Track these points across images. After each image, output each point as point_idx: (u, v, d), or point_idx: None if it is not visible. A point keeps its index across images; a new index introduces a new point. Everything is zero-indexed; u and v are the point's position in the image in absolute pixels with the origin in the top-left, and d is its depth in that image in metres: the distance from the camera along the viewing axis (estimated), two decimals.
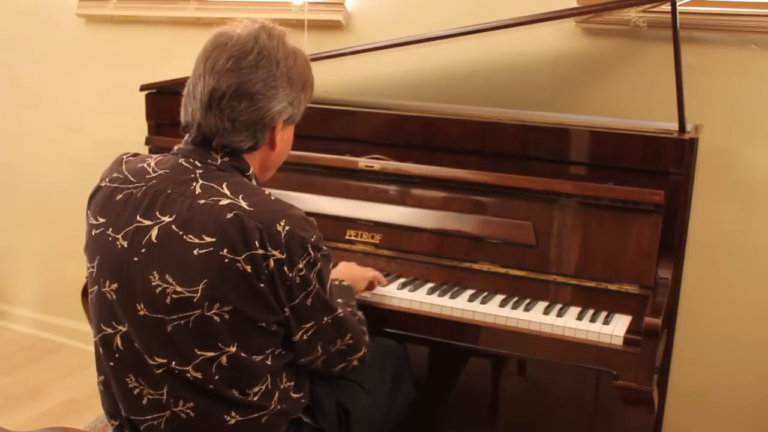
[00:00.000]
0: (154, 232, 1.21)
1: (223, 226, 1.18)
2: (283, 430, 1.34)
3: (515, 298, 1.68)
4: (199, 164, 1.26)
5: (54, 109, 2.99)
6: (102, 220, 1.27)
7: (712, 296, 2.07)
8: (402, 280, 1.78)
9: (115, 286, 1.24)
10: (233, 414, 1.26)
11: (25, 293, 3.27)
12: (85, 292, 2.06)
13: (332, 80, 2.35)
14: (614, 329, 1.54)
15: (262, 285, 1.19)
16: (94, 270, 1.28)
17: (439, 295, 1.69)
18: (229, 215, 1.18)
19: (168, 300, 1.19)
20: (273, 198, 1.25)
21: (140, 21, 2.71)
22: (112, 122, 2.82)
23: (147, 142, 2.18)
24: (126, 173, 1.29)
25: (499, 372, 2.10)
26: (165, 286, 1.19)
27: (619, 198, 1.68)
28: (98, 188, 1.31)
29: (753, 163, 1.97)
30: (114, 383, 1.31)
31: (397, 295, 1.70)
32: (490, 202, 1.79)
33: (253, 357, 1.24)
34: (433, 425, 2.15)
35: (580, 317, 1.60)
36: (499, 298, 1.69)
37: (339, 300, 1.43)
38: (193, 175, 1.24)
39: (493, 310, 1.63)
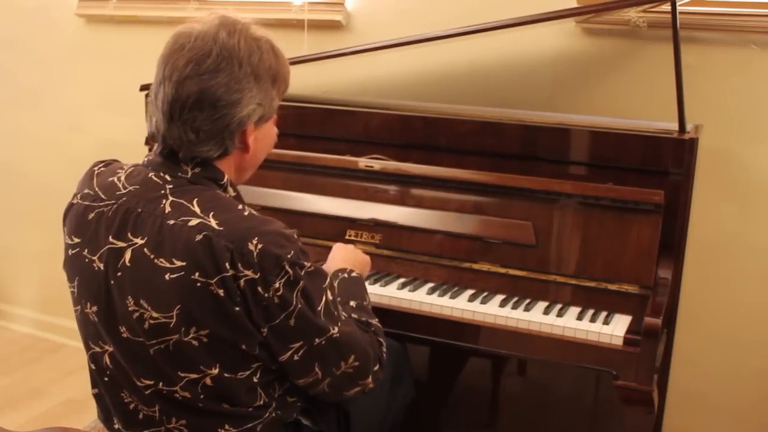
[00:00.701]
0: (128, 255, 1.16)
1: (193, 249, 1.11)
2: None
3: (515, 298, 1.68)
4: (169, 178, 1.20)
5: (54, 109, 2.99)
6: (77, 240, 1.23)
7: (712, 296, 2.07)
8: (402, 280, 1.78)
9: (95, 308, 1.21)
10: (227, 427, 1.23)
11: (25, 293, 3.27)
12: None
13: (332, 80, 2.35)
14: (614, 329, 1.54)
15: (237, 308, 1.12)
16: (75, 290, 1.26)
17: (439, 295, 1.69)
18: (198, 237, 1.11)
19: (146, 325, 1.15)
20: (247, 214, 1.16)
21: (140, 21, 2.71)
22: (112, 122, 2.82)
23: (147, 142, 2.18)
24: (97, 189, 1.25)
25: (499, 372, 2.10)
26: (141, 311, 1.15)
27: (619, 198, 1.67)
28: (71, 205, 1.28)
29: (753, 163, 1.97)
30: (108, 398, 1.29)
31: (397, 295, 1.70)
32: (490, 202, 1.79)
33: (239, 375, 1.19)
34: (434, 425, 2.15)
35: (580, 317, 1.60)
36: (499, 298, 1.69)
37: (352, 303, 1.35)
38: (163, 191, 1.18)
39: (493, 310, 1.63)
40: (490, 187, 1.79)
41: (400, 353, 1.68)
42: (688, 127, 1.72)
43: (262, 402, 1.25)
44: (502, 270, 1.75)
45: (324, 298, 1.19)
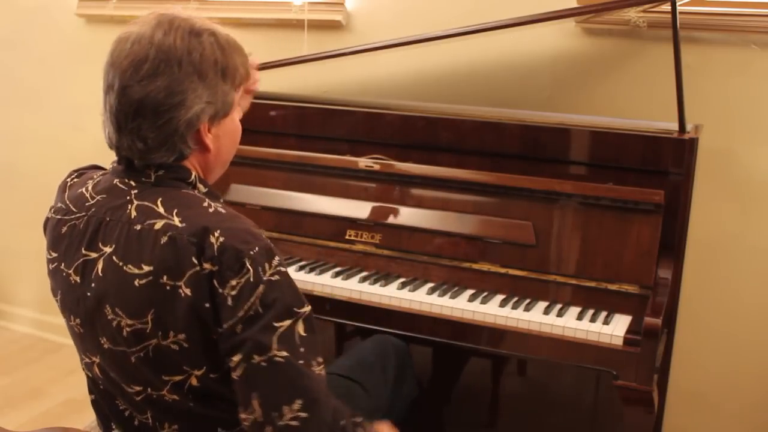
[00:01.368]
0: (100, 265, 1.13)
1: (159, 253, 1.08)
2: None
3: (515, 298, 1.68)
4: (134, 183, 1.16)
5: (54, 109, 2.99)
6: (54, 255, 1.21)
7: (712, 296, 2.07)
8: (402, 280, 1.78)
9: (78, 321, 1.19)
10: (220, 430, 1.18)
11: (25, 293, 3.27)
12: None
13: (332, 80, 2.35)
14: (614, 329, 1.54)
15: (207, 305, 1.06)
16: (59, 304, 1.24)
17: (439, 295, 1.69)
18: (164, 239, 1.08)
19: (124, 333, 1.12)
20: (212, 210, 1.11)
21: None
22: None
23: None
24: (68, 202, 1.22)
25: (499, 372, 2.10)
26: (118, 319, 1.12)
27: (619, 198, 1.68)
28: (47, 219, 1.26)
29: (753, 163, 1.97)
30: (105, 406, 1.27)
31: (397, 295, 1.70)
32: (490, 202, 1.79)
33: (225, 374, 1.12)
34: (434, 425, 2.15)
35: (580, 317, 1.60)
36: (499, 298, 1.69)
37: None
38: (128, 197, 1.14)
39: (493, 310, 1.63)
40: (490, 187, 1.79)
41: (404, 352, 1.68)
42: (688, 127, 1.72)
43: None
44: (502, 270, 1.75)
45: (289, 321, 1.06)
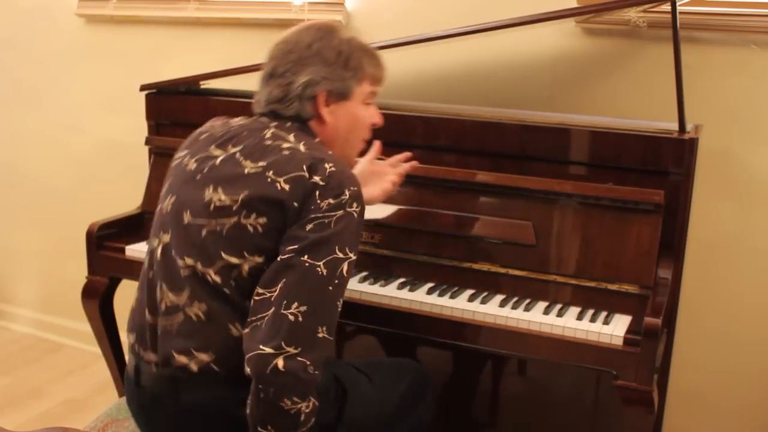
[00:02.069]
0: (220, 158, 1.39)
1: (278, 157, 1.33)
2: None
3: (515, 298, 1.68)
4: (274, 123, 1.43)
5: (54, 109, 2.99)
6: (184, 153, 1.47)
7: (712, 296, 2.07)
8: (402, 280, 1.78)
9: (173, 198, 1.41)
10: (237, 325, 1.30)
11: (25, 293, 3.28)
12: (85, 292, 2.06)
13: None
14: (614, 329, 1.54)
15: (295, 204, 1.28)
16: (163, 191, 1.47)
17: (439, 295, 1.70)
18: (286, 152, 1.34)
19: (212, 207, 1.34)
20: (332, 153, 1.37)
21: (140, 21, 2.71)
22: (112, 122, 2.82)
23: (147, 142, 2.18)
24: (212, 125, 1.50)
25: (499, 372, 2.10)
26: (213, 196, 1.34)
27: (619, 198, 1.68)
28: (193, 133, 1.52)
29: (753, 163, 1.97)
30: (146, 295, 1.43)
31: (397, 295, 1.70)
32: (490, 202, 1.79)
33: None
34: (434, 425, 2.15)
35: (580, 317, 1.60)
36: (499, 298, 1.69)
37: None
38: (266, 127, 1.41)
39: (493, 310, 1.63)
40: (490, 187, 1.79)
41: (425, 377, 1.70)
42: (688, 127, 1.72)
43: None
44: (502, 270, 1.75)
45: (342, 255, 1.27)
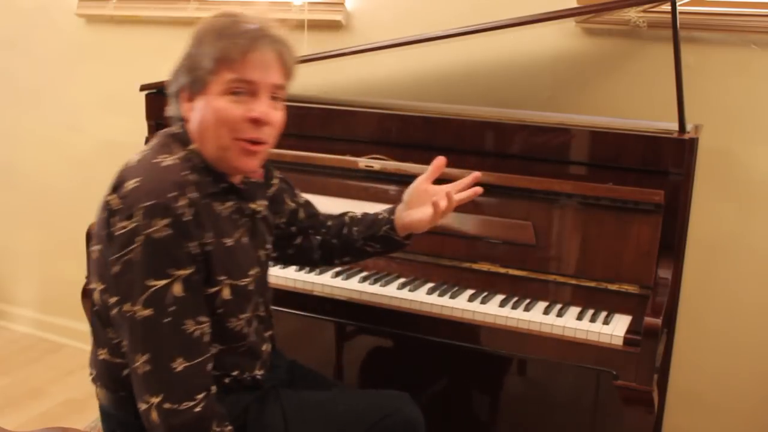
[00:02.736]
0: None
1: (115, 175, 1.28)
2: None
3: (515, 298, 1.68)
4: (162, 131, 1.37)
5: (54, 109, 2.99)
6: None
7: (712, 296, 2.07)
8: (402, 280, 1.78)
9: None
10: (101, 349, 1.35)
11: (25, 293, 3.27)
12: (85, 292, 2.06)
13: (332, 80, 2.35)
14: (614, 329, 1.54)
15: (102, 232, 1.25)
16: None
17: (439, 295, 1.69)
18: (121, 168, 1.28)
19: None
20: (160, 163, 1.25)
21: (140, 21, 2.71)
22: (112, 122, 2.82)
23: (147, 143, 2.18)
24: None
25: (499, 372, 2.10)
26: None
27: (619, 198, 1.68)
28: None
29: (753, 163, 1.97)
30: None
31: (397, 295, 1.70)
32: (490, 202, 1.79)
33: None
34: (434, 425, 2.14)
35: (580, 317, 1.60)
36: (499, 298, 1.69)
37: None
38: (161, 131, 1.37)
39: (493, 310, 1.63)
40: (490, 187, 1.79)
41: (413, 420, 1.46)
42: (688, 127, 1.71)
43: None
44: (502, 270, 1.75)
45: (163, 281, 1.17)
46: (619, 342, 1.52)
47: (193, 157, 1.30)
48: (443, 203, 1.46)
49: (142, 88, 2.20)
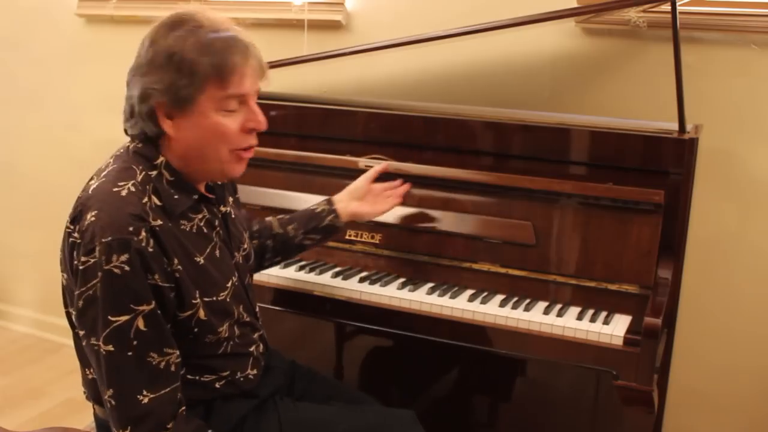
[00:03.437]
0: None
1: (76, 201, 1.25)
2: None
3: (515, 298, 1.68)
4: (126, 144, 1.32)
5: (54, 109, 2.99)
6: None
7: (712, 296, 2.07)
8: (402, 280, 1.78)
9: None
10: (86, 369, 1.35)
11: (25, 293, 3.27)
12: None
13: (332, 80, 2.35)
14: (614, 329, 1.54)
15: (66, 263, 1.26)
16: None
17: (439, 295, 1.69)
18: (81, 194, 1.25)
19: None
20: (124, 193, 1.21)
21: (140, 21, 2.71)
22: (112, 122, 2.80)
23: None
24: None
25: (499, 372, 2.10)
26: None
27: (619, 198, 1.67)
28: None
29: (753, 163, 1.97)
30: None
31: (397, 295, 1.70)
32: (490, 202, 1.79)
33: None
34: (433, 425, 2.15)
35: (580, 317, 1.60)
36: (499, 298, 1.69)
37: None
38: (117, 152, 1.32)
39: (493, 310, 1.63)
40: (490, 187, 1.79)
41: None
42: (688, 127, 1.71)
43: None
44: (502, 270, 1.75)
45: (125, 317, 1.17)
46: (619, 342, 1.52)
47: (159, 175, 1.27)
48: (396, 201, 1.76)
49: None
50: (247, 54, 1.25)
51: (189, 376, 1.31)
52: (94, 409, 1.41)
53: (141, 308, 1.17)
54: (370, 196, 1.74)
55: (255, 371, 1.42)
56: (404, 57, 2.20)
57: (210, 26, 1.24)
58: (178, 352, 1.24)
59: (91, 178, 1.28)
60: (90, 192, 1.23)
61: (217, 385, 1.36)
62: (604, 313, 1.63)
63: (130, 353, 1.17)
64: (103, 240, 1.15)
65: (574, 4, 1.97)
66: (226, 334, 1.34)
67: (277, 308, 1.82)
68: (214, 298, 1.30)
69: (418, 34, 1.89)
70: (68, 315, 1.33)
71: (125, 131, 1.31)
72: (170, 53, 1.21)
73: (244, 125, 1.28)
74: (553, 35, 2.11)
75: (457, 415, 2.15)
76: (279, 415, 1.42)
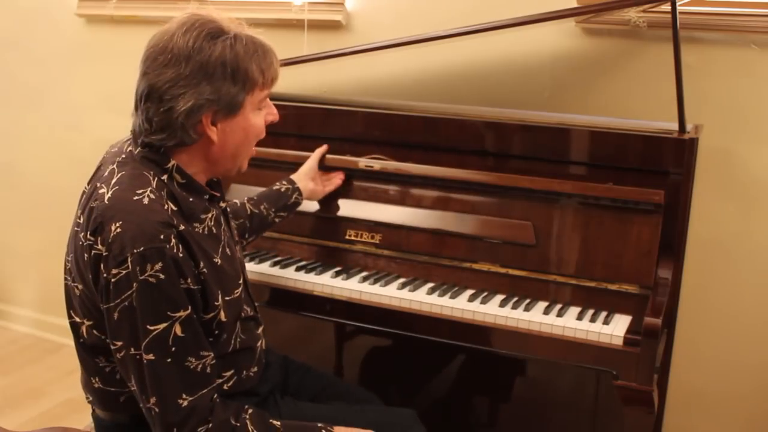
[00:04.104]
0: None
1: (87, 212, 1.24)
2: None
3: (515, 298, 1.68)
4: (127, 150, 1.31)
5: (54, 109, 2.99)
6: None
7: (712, 296, 2.07)
8: (402, 280, 1.78)
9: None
10: (94, 378, 1.34)
11: (25, 293, 3.27)
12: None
13: (332, 80, 2.35)
14: (614, 329, 1.54)
15: (90, 276, 1.22)
16: None
17: (439, 295, 1.69)
18: (92, 204, 1.23)
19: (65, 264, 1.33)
20: (146, 202, 1.20)
21: (140, 21, 2.71)
22: (112, 122, 2.82)
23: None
24: (108, 150, 1.42)
25: (499, 372, 2.10)
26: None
27: (619, 198, 1.68)
28: None
29: (753, 163, 1.97)
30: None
31: (397, 295, 1.70)
32: (490, 202, 1.79)
33: (107, 339, 1.24)
34: (433, 425, 2.15)
35: (580, 317, 1.60)
36: (499, 298, 1.69)
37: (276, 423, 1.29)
38: (118, 158, 1.30)
39: (493, 310, 1.63)
40: (490, 187, 1.79)
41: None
42: (688, 127, 1.72)
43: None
44: (502, 270, 1.75)
45: (163, 324, 1.17)
46: (619, 342, 1.52)
47: (171, 179, 1.27)
48: (338, 183, 1.89)
49: None
50: (275, 54, 1.31)
51: None
52: (93, 410, 1.41)
53: (178, 314, 1.18)
54: (318, 178, 1.88)
55: (256, 368, 1.43)
56: (404, 57, 2.20)
57: (239, 29, 1.28)
58: (212, 354, 1.25)
59: (97, 187, 1.25)
60: (107, 202, 1.21)
61: (225, 387, 1.36)
62: (604, 313, 1.63)
63: (169, 360, 1.19)
64: (135, 251, 1.15)
65: (574, 4, 1.97)
66: (237, 331, 1.35)
67: (277, 308, 1.82)
68: (232, 296, 1.32)
69: (418, 34, 1.89)
70: (71, 320, 1.32)
71: (143, 144, 1.27)
72: (223, 62, 1.22)
73: (266, 120, 1.36)
74: (553, 35, 2.11)
75: (457, 414, 2.15)
76: (280, 413, 1.42)
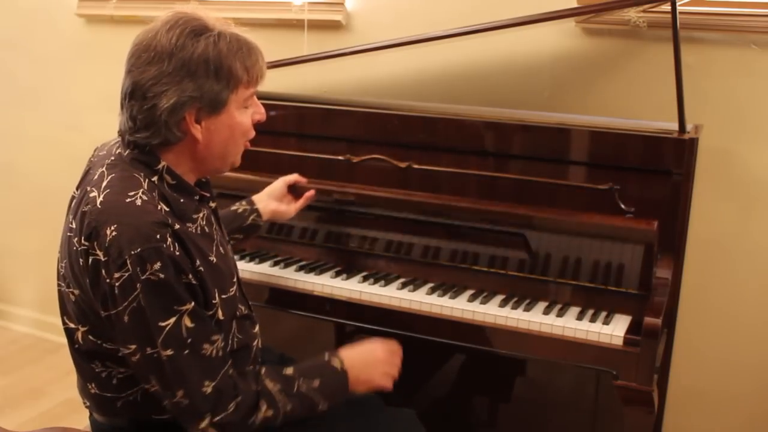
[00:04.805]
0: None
1: (79, 217, 1.23)
2: None
3: (515, 298, 1.68)
4: (116, 153, 1.30)
5: (54, 109, 2.99)
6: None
7: (712, 296, 2.07)
8: (402, 280, 1.78)
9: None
10: (90, 384, 1.33)
11: (25, 293, 3.27)
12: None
13: (332, 80, 2.35)
14: (614, 329, 1.54)
15: (87, 280, 1.22)
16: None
17: (439, 295, 1.69)
18: (84, 208, 1.22)
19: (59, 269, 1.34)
20: (139, 203, 1.20)
21: (140, 21, 2.71)
22: (112, 122, 2.79)
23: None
24: (95, 152, 1.42)
25: (498, 372, 2.10)
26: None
27: (614, 229, 1.64)
28: None
29: (753, 163, 1.97)
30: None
31: (397, 295, 1.70)
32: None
33: (104, 344, 1.27)
34: (433, 425, 2.15)
35: (580, 317, 1.60)
36: (499, 298, 1.69)
37: (288, 371, 1.34)
38: (107, 161, 1.29)
39: (493, 310, 1.63)
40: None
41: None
42: (688, 127, 1.71)
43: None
44: (502, 270, 1.75)
45: (173, 319, 1.19)
46: (619, 342, 1.52)
47: (161, 180, 1.27)
48: (306, 202, 1.81)
49: None
50: (260, 52, 1.30)
51: None
52: (91, 414, 1.41)
53: (185, 307, 1.20)
54: (286, 198, 1.81)
55: (253, 368, 1.42)
56: (404, 57, 2.20)
57: (223, 27, 1.27)
58: (222, 335, 1.28)
59: (87, 191, 1.25)
60: (99, 206, 1.20)
61: None
62: (604, 313, 1.63)
63: (187, 351, 1.20)
64: (133, 252, 1.15)
65: (574, 4, 1.97)
66: (233, 330, 1.35)
67: (277, 308, 1.82)
68: (228, 295, 1.32)
69: (418, 34, 1.89)
70: (65, 327, 1.34)
71: (130, 143, 1.27)
72: (205, 59, 1.21)
73: (254, 119, 1.34)
74: (553, 35, 2.11)
75: (457, 414, 2.15)
76: None
